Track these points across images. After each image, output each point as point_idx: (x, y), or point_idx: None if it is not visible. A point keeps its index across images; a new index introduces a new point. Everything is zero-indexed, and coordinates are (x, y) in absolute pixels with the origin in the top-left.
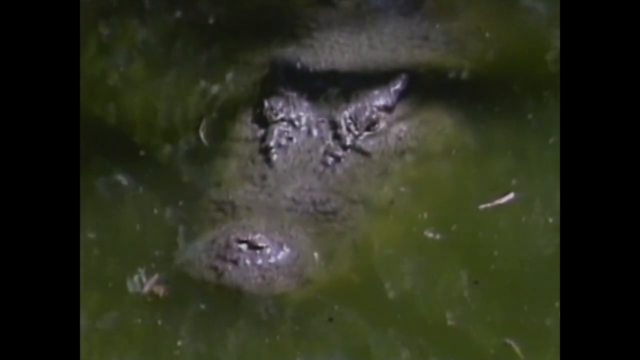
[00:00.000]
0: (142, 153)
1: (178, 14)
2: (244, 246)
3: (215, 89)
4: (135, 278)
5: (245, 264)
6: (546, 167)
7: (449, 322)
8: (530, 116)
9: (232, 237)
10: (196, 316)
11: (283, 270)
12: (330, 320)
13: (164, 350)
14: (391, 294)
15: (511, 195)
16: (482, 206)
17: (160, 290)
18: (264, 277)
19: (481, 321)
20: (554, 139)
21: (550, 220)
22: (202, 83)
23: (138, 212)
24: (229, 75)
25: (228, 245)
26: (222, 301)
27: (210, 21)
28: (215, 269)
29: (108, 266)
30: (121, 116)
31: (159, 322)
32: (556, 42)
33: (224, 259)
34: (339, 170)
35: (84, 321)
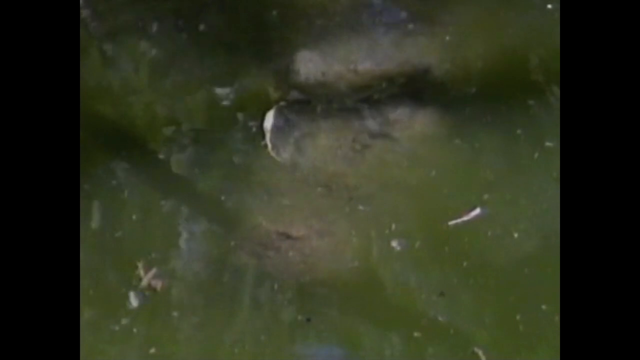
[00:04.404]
0: (149, 151)
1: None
2: (284, 236)
3: (229, 83)
4: (136, 273)
5: (286, 250)
6: (522, 182)
7: (415, 334)
8: (519, 131)
9: (272, 228)
10: (194, 312)
11: (324, 255)
12: (308, 320)
13: (161, 347)
14: (388, 289)
15: (477, 211)
16: (451, 222)
17: (158, 284)
18: (305, 263)
19: (446, 333)
20: (539, 154)
21: (516, 235)
22: (212, 79)
23: (138, 207)
24: (246, 70)
25: (268, 236)
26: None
27: (218, 27)
28: (258, 255)
29: (107, 262)
30: (123, 113)
31: (156, 318)
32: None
33: (265, 246)
34: (369, 156)
35: (83, 316)
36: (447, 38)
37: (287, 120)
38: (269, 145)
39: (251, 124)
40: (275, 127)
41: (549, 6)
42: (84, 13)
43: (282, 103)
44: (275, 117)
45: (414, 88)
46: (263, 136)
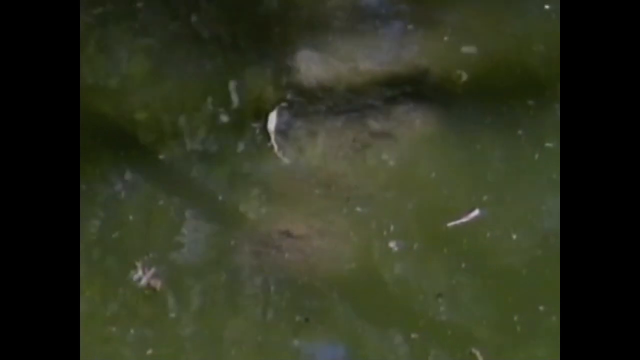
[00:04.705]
0: (148, 151)
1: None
2: (284, 235)
3: (229, 83)
4: (134, 272)
5: (288, 250)
6: (522, 183)
7: (413, 335)
8: (520, 132)
9: (273, 227)
10: (192, 312)
11: (325, 255)
12: (307, 320)
13: (158, 348)
14: (387, 290)
15: (476, 212)
16: (450, 224)
17: (158, 284)
18: (307, 262)
19: (444, 334)
20: (539, 155)
21: (514, 236)
22: (212, 80)
23: (136, 208)
24: (246, 70)
25: (269, 235)
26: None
27: (218, 27)
28: (258, 254)
29: (107, 260)
30: (122, 113)
31: (154, 318)
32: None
33: (266, 245)
34: (369, 156)
35: (83, 315)
36: (446, 38)
37: (289, 120)
38: (275, 147)
39: (253, 124)
40: (279, 128)
41: (547, 6)
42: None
43: (283, 104)
44: (278, 117)
45: (414, 88)
46: (268, 137)
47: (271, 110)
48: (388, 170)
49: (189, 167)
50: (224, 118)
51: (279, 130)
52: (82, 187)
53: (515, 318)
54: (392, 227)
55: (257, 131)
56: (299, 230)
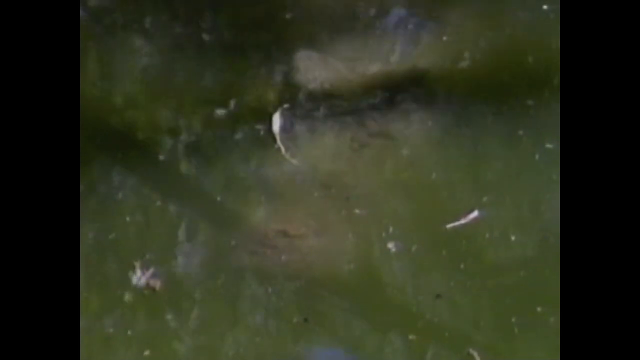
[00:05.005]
0: (146, 152)
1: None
2: (283, 235)
3: (230, 85)
4: (132, 272)
5: (286, 250)
6: (522, 184)
7: (411, 336)
8: (520, 132)
9: (272, 227)
10: (192, 310)
11: (322, 255)
12: (306, 320)
13: (156, 349)
14: (385, 291)
15: (475, 214)
16: (449, 225)
17: (157, 284)
18: (305, 263)
19: (442, 335)
20: (539, 156)
21: (513, 238)
22: (213, 81)
23: (134, 208)
24: (247, 71)
25: (266, 234)
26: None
27: (218, 28)
28: (257, 254)
29: (106, 261)
30: (121, 114)
31: (157, 316)
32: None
33: (264, 245)
34: (367, 155)
35: (83, 318)
36: (445, 38)
37: (291, 121)
38: (282, 148)
39: (256, 126)
40: (283, 129)
41: (545, 7)
42: (81, 14)
43: (285, 105)
44: (282, 119)
45: (413, 88)
46: (274, 139)
47: (273, 111)
48: (387, 170)
49: (188, 167)
50: (224, 119)
51: (284, 132)
52: (80, 187)
53: (514, 319)
54: (390, 228)
55: (262, 132)
56: (297, 230)
